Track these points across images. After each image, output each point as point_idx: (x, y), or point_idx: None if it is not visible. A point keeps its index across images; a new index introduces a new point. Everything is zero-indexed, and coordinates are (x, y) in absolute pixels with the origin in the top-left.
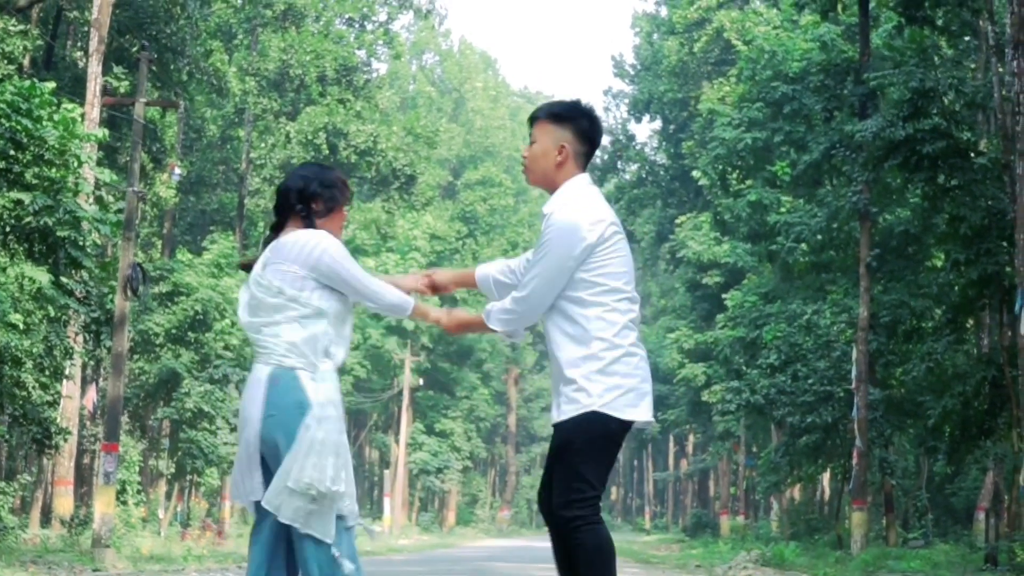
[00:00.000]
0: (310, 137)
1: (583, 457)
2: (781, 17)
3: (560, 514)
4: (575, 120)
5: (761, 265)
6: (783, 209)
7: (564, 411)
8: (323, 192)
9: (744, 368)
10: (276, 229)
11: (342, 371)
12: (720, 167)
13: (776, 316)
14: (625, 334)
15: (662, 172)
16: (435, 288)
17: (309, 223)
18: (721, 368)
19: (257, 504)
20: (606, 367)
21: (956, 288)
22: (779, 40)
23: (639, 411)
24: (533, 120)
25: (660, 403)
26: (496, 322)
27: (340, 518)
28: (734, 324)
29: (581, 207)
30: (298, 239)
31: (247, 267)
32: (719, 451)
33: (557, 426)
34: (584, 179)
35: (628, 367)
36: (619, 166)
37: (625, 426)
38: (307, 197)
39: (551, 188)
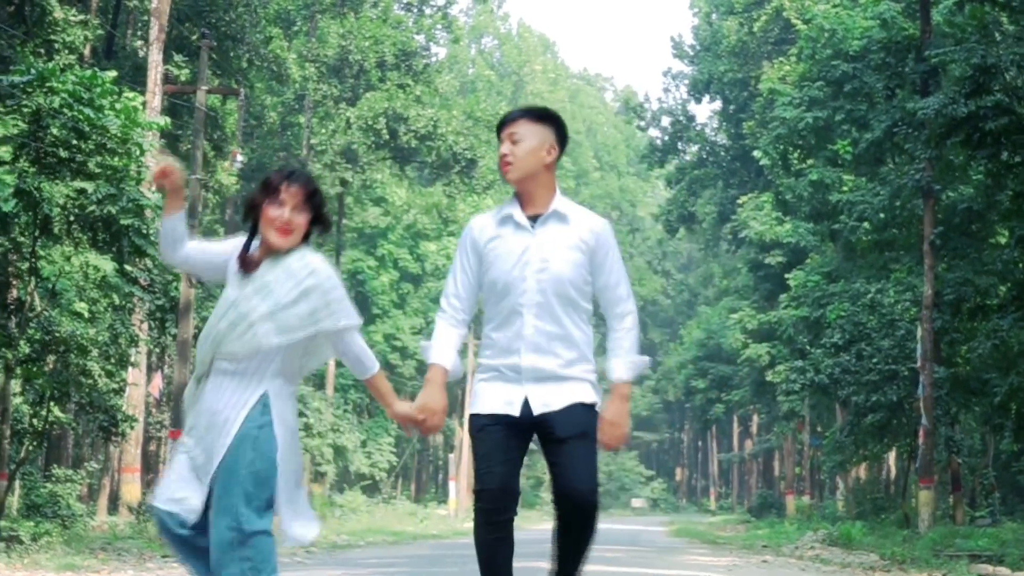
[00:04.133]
0: (370, 122)
1: (595, 443)
2: None
3: (590, 499)
4: (554, 121)
5: (824, 244)
6: (845, 188)
7: (591, 394)
8: (249, 195)
9: (808, 348)
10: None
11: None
12: (781, 147)
13: (839, 295)
14: None
15: (723, 152)
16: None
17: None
18: (785, 348)
19: None
20: (595, 368)
21: (1021, 265)
22: (839, 18)
23: None
24: (508, 121)
25: (724, 384)
26: (644, 361)
27: None
28: (797, 304)
29: None
30: None
31: None
32: (784, 431)
33: (582, 406)
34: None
35: None
36: (679, 147)
37: None
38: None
39: (530, 188)
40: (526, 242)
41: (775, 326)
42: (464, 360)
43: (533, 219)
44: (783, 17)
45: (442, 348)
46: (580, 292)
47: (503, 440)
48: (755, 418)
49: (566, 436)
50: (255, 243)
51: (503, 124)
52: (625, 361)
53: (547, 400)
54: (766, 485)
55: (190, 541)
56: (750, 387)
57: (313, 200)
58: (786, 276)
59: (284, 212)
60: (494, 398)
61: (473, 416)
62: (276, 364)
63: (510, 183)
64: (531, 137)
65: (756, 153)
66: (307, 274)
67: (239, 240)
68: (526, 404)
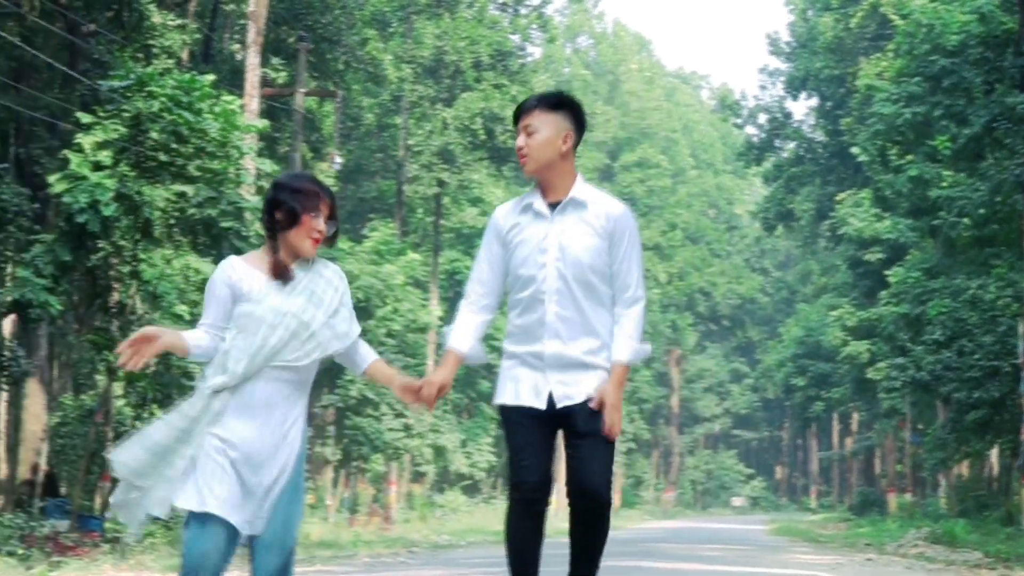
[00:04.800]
0: (467, 123)
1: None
2: None
3: (603, 495)
4: (570, 107)
5: (923, 241)
6: (944, 184)
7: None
8: (286, 200)
9: (909, 344)
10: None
11: None
12: (879, 143)
13: (940, 292)
14: None
15: (820, 149)
16: (441, 393)
17: (271, 234)
18: (885, 345)
19: None
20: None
21: None
22: (936, 13)
23: None
24: (523, 110)
25: (823, 381)
26: (646, 348)
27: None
28: (897, 300)
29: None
30: None
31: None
32: (885, 428)
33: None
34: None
35: None
36: (776, 144)
37: None
38: (273, 206)
39: (549, 177)
40: (545, 229)
41: (875, 323)
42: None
43: (553, 206)
44: (880, 13)
45: (459, 333)
46: (600, 277)
47: (536, 433)
48: (855, 415)
49: (586, 431)
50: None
51: (519, 115)
52: (627, 344)
53: (568, 392)
54: (867, 483)
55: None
56: (850, 384)
57: (335, 212)
58: (886, 273)
59: (320, 222)
60: (520, 388)
61: (501, 407)
62: (312, 374)
63: (528, 175)
64: (545, 128)
65: (854, 150)
66: (339, 280)
67: (234, 262)
68: (551, 397)
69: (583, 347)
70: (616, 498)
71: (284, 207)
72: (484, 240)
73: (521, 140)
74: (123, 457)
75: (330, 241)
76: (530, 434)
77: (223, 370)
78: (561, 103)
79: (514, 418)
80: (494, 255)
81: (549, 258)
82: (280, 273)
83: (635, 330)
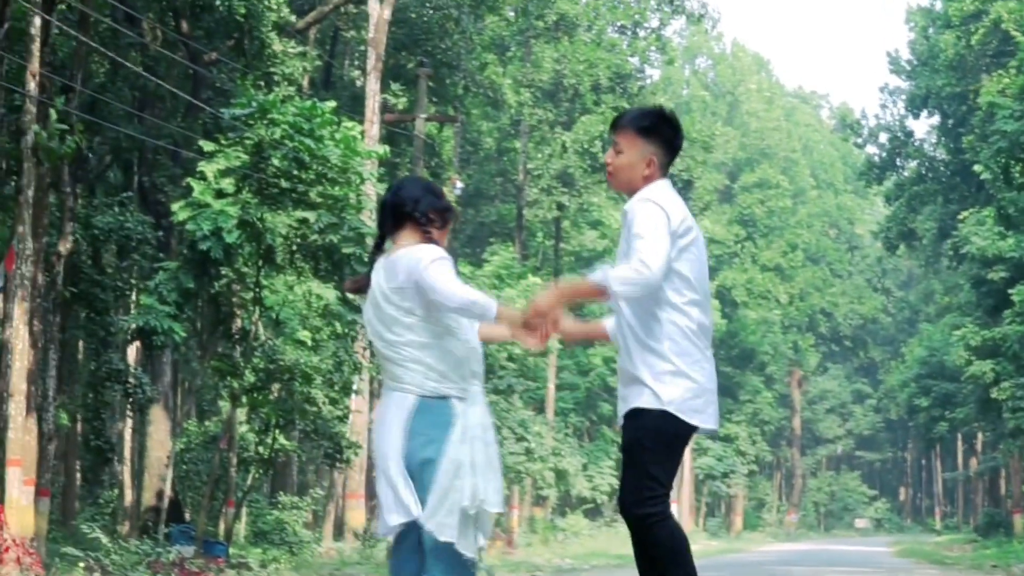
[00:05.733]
0: (586, 146)
1: (652, 456)
2: None
3: (631, 511)
4: (661, 131)
5: None
6: None
7: (642, 398)
8: (439, 205)
9: None
10: (380, 244)
11: None
12: (1002, 160)
13: None
14: (696, 338)
15: (942, 168)
16: (555, 331)
17: (427, 233)
18: (1010, 364)
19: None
20: (679, 368)
21: None
22: None
23: (705, 417)
24: (617, 127)
25: (947, 401)
26: (620, 285)
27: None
28: (1022, 319)
29: (662, 198)
30: (412, 253)
31: (357, 290)
32: (1010, 449)
33: (629, 417)
34: (665, 184)
35: (698, 372)
36: (898, 163)
37: (692, 430)
38: (424, 208)
39: (632, 195)
40: None
41: (999, 342)
42: None
43: None
44: (1001, 29)
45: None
46: None
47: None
48: (980, 436)
49: (623, 449)
50: None
51: (613, 126)
52: (604, 273)
53: (619, 411)
54: (992, 504)
55: None
56: (974, 404)
57: None
58: (1009, 291)
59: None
60: None
61: None
62: None
63: (613, 190)
64: (630, 152)
65: (977, 167)
66: None
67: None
68: None
69: (633, 357)
70: (738, 520)
71: (439, 208)
72: None
73: (610, 156)
74: (494, 499)
75: None
76: None
77: (471, 374)
78: (649, 128)
79: None
80: None
81: None
82: None
83: (621, 273)
